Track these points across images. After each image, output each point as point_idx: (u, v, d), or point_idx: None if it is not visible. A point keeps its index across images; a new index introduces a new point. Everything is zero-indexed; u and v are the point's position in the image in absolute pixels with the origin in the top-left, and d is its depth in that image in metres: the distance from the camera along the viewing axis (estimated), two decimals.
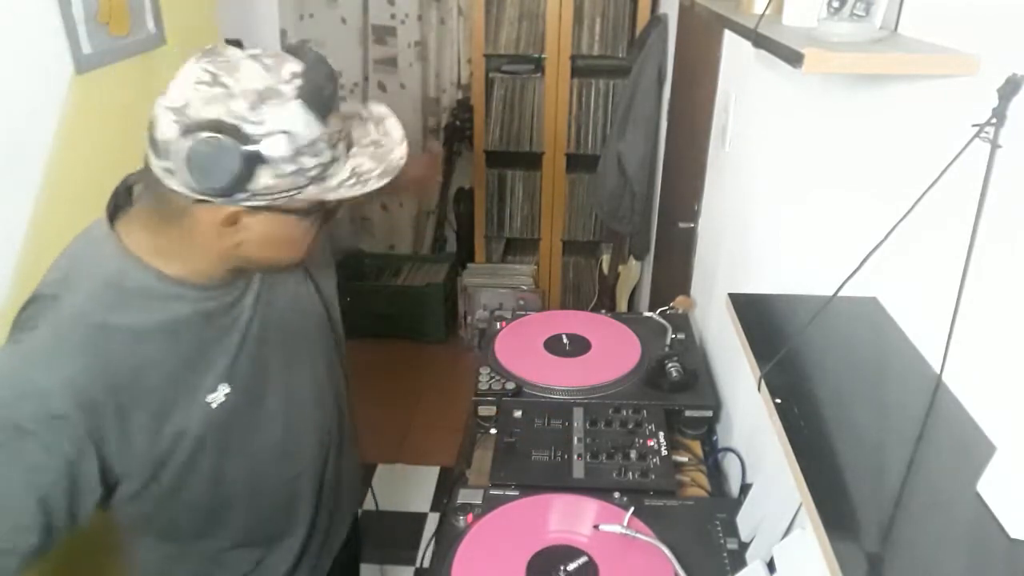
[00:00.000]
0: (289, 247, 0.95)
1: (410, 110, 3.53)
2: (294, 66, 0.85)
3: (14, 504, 0.83)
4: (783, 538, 1.02)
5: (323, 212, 0.93)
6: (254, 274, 1.03)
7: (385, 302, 3.55)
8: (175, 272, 0.93)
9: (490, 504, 1.23)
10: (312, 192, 0.87)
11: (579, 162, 3.21)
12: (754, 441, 1.36)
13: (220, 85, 0.82)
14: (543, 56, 3.05)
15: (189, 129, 0.80)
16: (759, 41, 0.94)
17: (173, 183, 0.84)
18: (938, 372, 0.75)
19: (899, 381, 0.79)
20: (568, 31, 2.98)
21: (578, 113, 3.13)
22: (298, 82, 0.83)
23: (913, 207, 0.73)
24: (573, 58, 3.03)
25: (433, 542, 1.24)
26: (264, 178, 0.83)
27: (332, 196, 0.89)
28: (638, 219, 2.81)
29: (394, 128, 0.98)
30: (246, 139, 0.80)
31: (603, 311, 1.86)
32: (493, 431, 1.44)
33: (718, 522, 1.20)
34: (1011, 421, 0.65)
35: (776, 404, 0.74)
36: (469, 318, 3.48)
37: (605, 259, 3.27)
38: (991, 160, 0.67)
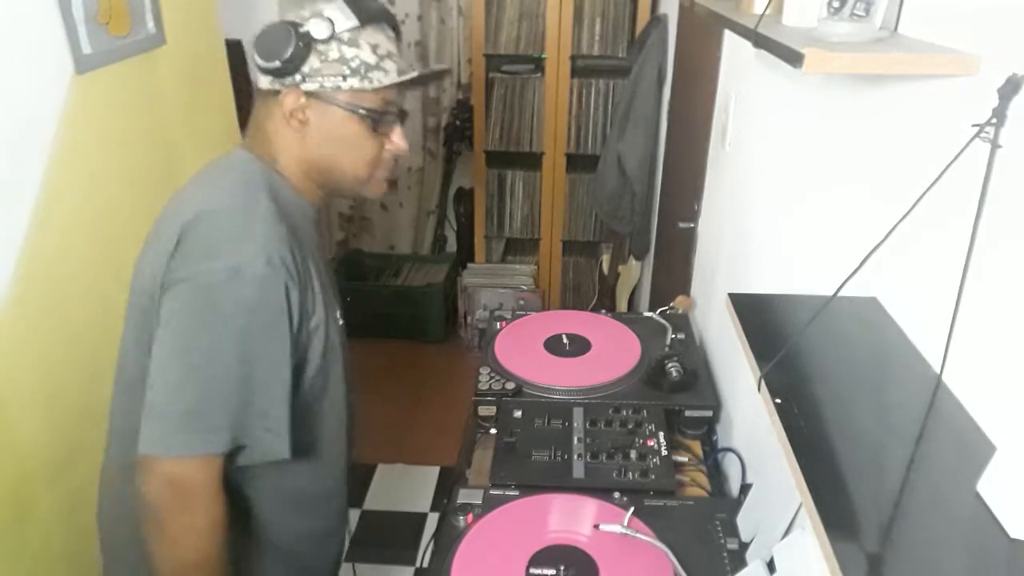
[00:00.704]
0: (349, 151, 1.06)
1: (410, 110, 3.52)
2: None
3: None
4: (783, 538, 1.02)
5: (372, 119, 1.04)
6: (357, 195, 1.14)
7: (385, 302, 3.55)
8: (297, 186, 1.08)
9: (490, 504, 1.23)
10: (354, 83, 1.01)
11: (579, 162, 3.21)
12: (754, 441, 1.36)
13: (299, 5, 1.03)
14: (543, 56, 3.05)
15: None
16: (759, 41, 0.94)
17: (257, 77, 1.03)
18: (938, 372, 0.75)
19: (899, 381, 0.79)
20: (568, 31, 2.98)
21: (578, 113, 3.13)
22: None
23: (913, 207, 0.73)
24: (573, 58, 3.03)
25: (433, 542, 1.23)
26: (312, 60, 1.00)
27: (371, 91, 1.02)
28: (638, 219, 2.81)
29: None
30: (296, 25, 0.98)
31: (603, 311, 1.86)
32: (493, 431, 1.44)
33: (718, 522, 1.20)
34: (1011, 421, 0.65)
35: (776, 404, 0.74)
36: (469, 318, 3.48)
37: (605, 259, 3.27)
38: (991, 160, 0.67)
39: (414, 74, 1.07)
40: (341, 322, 1.14)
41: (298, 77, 1.00)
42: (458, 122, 3.50)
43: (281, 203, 1.03)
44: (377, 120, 1.05)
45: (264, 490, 1.10)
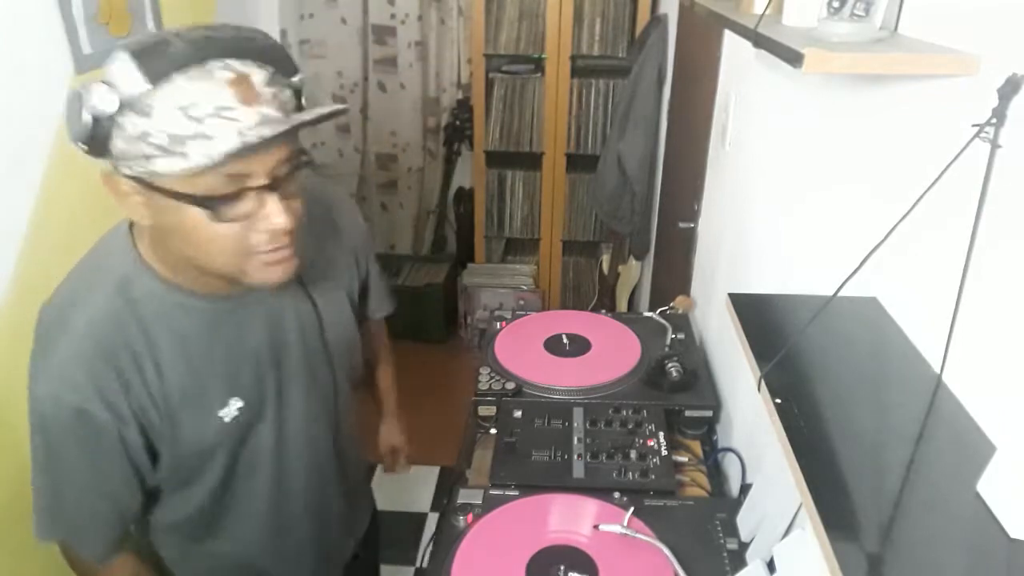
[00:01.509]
0: (198, 244, 0.84)
1: (410, 110, 3.53)
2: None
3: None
4: (783, 538, 1.02)
5: (205, 206, 0.81)
6: (248, 287, 0.93)
7: None
8: (173, 276, 0.93)
9: (490, 504, 1.23)
10: (164, 166, 0.77)
11: (579, 162, 3.21)
12: (754, 441, 1.36)
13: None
14: (543, 56, 3.05)
15: None
16: (759, 41, 0.94)
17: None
18: (938, 372, 0.75)
19: (899, 381, 0.79)
20: (568, 31, 2.98)
21: (578, 113, 3.13)
22: (139, 42, 0.76)
23: (913, 207, 0.73)
24: (573, 58, 3.03)
25: (433, 542, 1.23)
26: (118, 141, 0.78)
27: (197, 172, 0.77)
28: (638, 219, 2.81)
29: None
30: (84, 91, 0.76)
31: (603, 311, 1.86)
32: (493, 431, 1.44)
33: (718, 522, 1.20)
34: (1011, 421, 0.65)
35: (776, 404, 0.74)
36: (469, 318, 3.48)
37: (605, 259, 3.27)
38: (991, 160, 0.67)
39: (257, 137, 0.76)
40: (229, 418, 0.99)
41: (111, 159, 0.80)
42: (458, 122, 3.50)
43: (137, 299, 0.91)
44: (213, 206, 0.81)
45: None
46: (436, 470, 2.77)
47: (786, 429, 0.71)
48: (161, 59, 0.75)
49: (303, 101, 0.88)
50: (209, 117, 0.75)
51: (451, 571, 1.11)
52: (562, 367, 1.60)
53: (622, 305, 3.20)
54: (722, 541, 1.16)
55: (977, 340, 0.71)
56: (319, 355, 1.11)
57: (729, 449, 1.47)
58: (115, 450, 0.94)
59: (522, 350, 1.65)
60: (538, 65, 3.12)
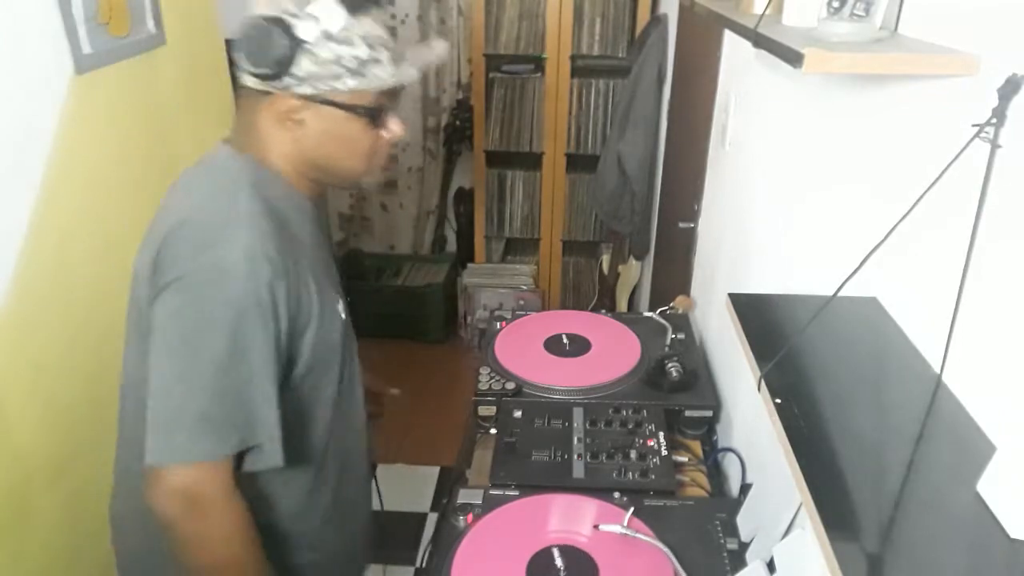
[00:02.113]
0: (347, 148, 1.04)
1: (410, 110, 3.53)
2: None
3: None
4: (783, 538, 1.02)
5: (371, 116, 1.01)
6: (356, 185, 1.12)
7: (385, 302, 3.55)
8: (291, 179, 1.06)
9: (490, 504, 1.23)
10: (352, 84, 0.97)
11: (579, 162, 3.21)
12: (754, 441, 1.36)
13: None
14: (543, 56, 3.05)
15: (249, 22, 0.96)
16: (759, 41, 0.94)
17: (244, 77, 0.99)
18: (938, 372, 0.75)
19: (899, 381, 0.79)
20: (568, 31, 2.98)
21: (578, 113, 3.13)
22: None
23: (913, 207, 0.73)
24: (573, 58, 3.03)
25: (433, 542, 1.23)
26: (305, 63, 0.95)
27: (368, 89, 0.99)
28: (638, 219, 2.81)
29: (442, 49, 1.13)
30: (285, 24, 0.93)
31: (603, 311, 1.86)
32: (493, 431, 1.44)
33: (718, 522, 1.20)
34: (1011, 421, 0.65)
35: (776, 404, 0.74)
36: (469, 318, 3.48)
37: (605, 259, 3.27)
38: (991, 160, 0.67)
39: (411, 75, 1.03)
40: (344, 316, 1.11)
41: (291, 80, 0.96)
42: (458, 122, 3.50)
43: (269, 199, 1.00)
44: (376, 116, 1.02)
45: (269, 499, 1.08)
46: (436, 470, 2.77)
47: (786, 429, 0.71)
48: (352, 2, 0.96)
49: None
50: (378, 46, 0.99)
51: (451, 571, 1.11)
52: (562, 367, 1.60)
53: (622, 305, 3.20)
54: (722, 541, 1.16)
55: (977, 340, 0.71)
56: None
57: (729, 449, 1.47)
58: (275, 341, 0.97)
59: (522, 350, 1.65)
60: (538, 65, 3.12)
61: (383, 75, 0.99)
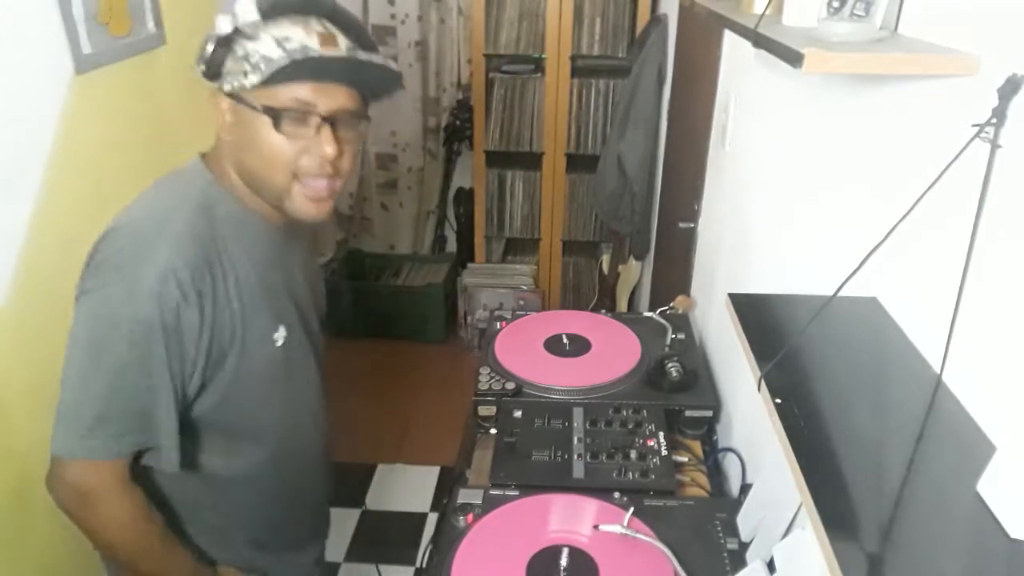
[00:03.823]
0: (257, 151, 0.99)
1: (410, 110, 3.53)
2: None
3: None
4: (783, 538, 1.02)
5: (273, 117, 0.96)
6: (290, 213, 1.07)
7: (385, 302, 3.55)
8: (246, 201, 1.05)
9: (490, 504, 1.23)
10: (254, 80, 0.95)
11: (579, 162, 3.21)
12: (754, 441, 1.36)
13: None
14: (543, 56, 3.05)
15: None
16: (759, 41, 0.94)
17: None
18: (938, 372, 0.75)
19: (899, 381, 0.79)
20: (568, 31, 2.98)
21: (578, 113, 3.13)
22: None
23: (913, 207, 0.73)
24: (573, 58, 3.03)
25: (433, 542, 1.23)
26: (228, 62, 0.96)
27: (274, 88, 0.95)
28: (638, 219, 2.81)
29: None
30: (215, 26, 0.95)
31: (603, 311, 1.86)
32: (493, 431, 1.44)
33: (718, 522, 1.20)
34: (1011, 421, 0.65)
35: (776, 404, 0.74)
36: (469, 318, 3.48)
37: (605, 259, 3.27)
38: (991, 160, 0.67)
39: (304, 55, 0.94)
40: (281, 343, 1.10)
41: (220, 80, 0.98)
42: (458, 122, 3.50)
43: (215, 220, 1.01)
44: (277, 116, 0.96)
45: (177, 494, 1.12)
46: (436, 470, 2.77)
47: (786, 429, 0.71)
48: (278, 3, 0.94)
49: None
50: (295, 50, 0.94)
51: (451, 571, 1.11)
52: (562, 367, 1.60)
53: (622, 305, 3.20)
54: (722, 541, 1.16)
55: (977, 340, 0.71)
56: (314, 312, 1.24)
57: (729, 449, 1.47)
58: (197, 352, 0.99)
59: (522, 350, 1.65)
60: (538, 65, 3.12)
61: (275, 64, 0.95)
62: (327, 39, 0.96)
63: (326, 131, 0.99)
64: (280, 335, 1.10)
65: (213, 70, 0.97)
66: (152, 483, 1.08)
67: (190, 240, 0.97)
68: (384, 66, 1.00)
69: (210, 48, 0.95)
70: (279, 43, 0.94)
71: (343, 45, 0.98)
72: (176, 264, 0.95)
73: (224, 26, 0.94)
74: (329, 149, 0.99)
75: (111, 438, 0.97)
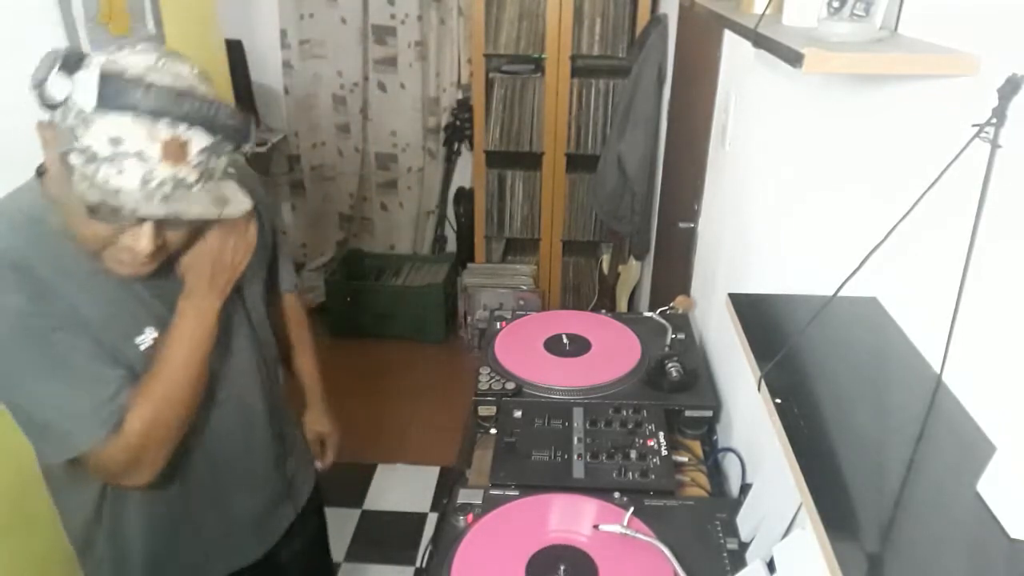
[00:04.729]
0: (77, 225, 0.92)
1: (410, 110, 3.53)
2: (162, 68, 0.87)
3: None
4: (783, 538, 1.02)
5: (91, 211, 0.87)
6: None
7: (385, 302, 3.55)
8: None
9: (490, 504, 1.23)
10: (77, 162, 0.84)
11: (579, 162, 3.21)
12: (754, 441, 1.36)
13: (132, 44, 0.89)
14: (543, 56, 3.05)
15: None
16: (759, 41, 0.94)
17: None
18: (938, 372, 0.75)
19: (899, 381, 0.79)
20: (568, 31, 2.98)
21: (578, 113, 3.13)
22: (123, 65, 0.85)
23: (913, 207, 0.73)
24: (573, 58, 3.03)
25: (433, 542, 1.23)
26: (57, 113, 0.86)
27: (79, 181, 0.84)
28: (638, 219, 2.81)
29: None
30: (67, 64, 0.84)
31: (603, 311, 1.86)
32: (493, 431, 1.44)
33: (718, 522, 1.20)
34: (1011, 421, 0.65)
35: (776, 404, 0.74)
36: (469, 318, 3.48)
37: (605, 259, 3.27)
38: (991, 160, 0.67)
39: (138, 215, 0.86)
40: (144, 346, 1.04)
41: (49, 115, 0.88)
42: (458, 122, 3.51)
43: (44, 233, 0.95)
44: (94, 211, 0.87)
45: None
46: (436, 470, 2.77)
47: (786, 429, 0.71)
48: (123, 96, 0.83)
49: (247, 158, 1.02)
50: (128, 156, 0.83)
51: (451, 571, 1.11)
52: (562, 367, 1.60)
53: (622, 305, 3.20)
54: (722, 541, 1.17)
55: (977, 340, 0.71)
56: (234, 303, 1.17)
57: (729, 449, 1.47)
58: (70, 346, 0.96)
59: (522, 350, 1.65)
60: (538, 65, 3.12)
61: (114, 184, 0.84)
62: (173, 150, 0.85)
63: (147, 226, 0.92)
64: (146, 337, 1.04)
65: (44, 103, 0.86)
66: None
67: (6, 267, 0.93)
68: (195, 220, 0.93)
69: (37, 87, 0.85)
70: (112, 142, 0.83)
71: (195, 153, 0.87)
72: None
73: (56, 89, 0.83)
74: (143, 245, 0.92)
75: (104, 401, 0.97)
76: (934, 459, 0.68)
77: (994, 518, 0.60)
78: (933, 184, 0.71)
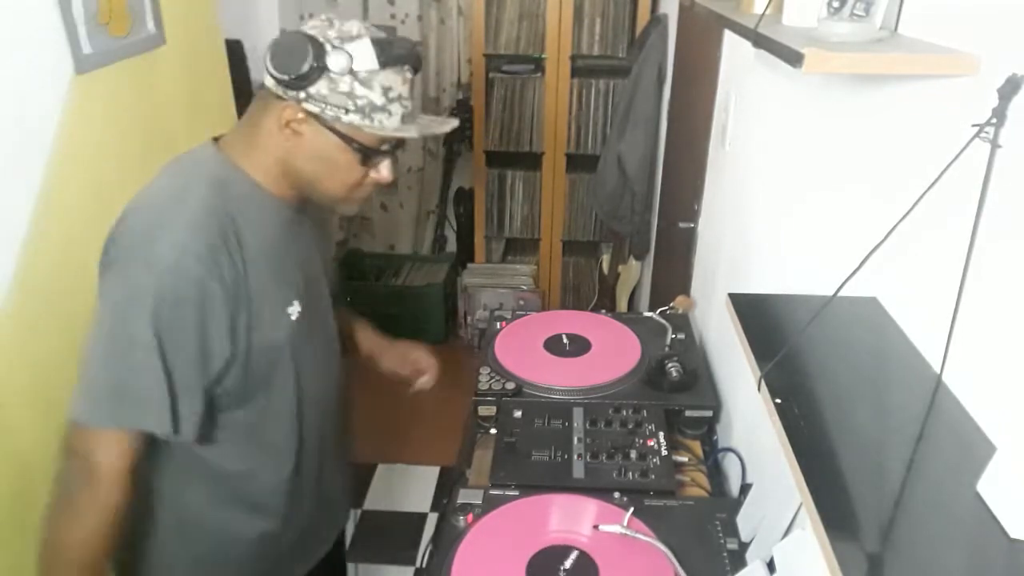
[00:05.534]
0: (332, 174, 1.07)
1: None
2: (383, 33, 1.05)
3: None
4: (783, 538, 1.02)
5: (364, 154, 1.05)
6: (308, 203, 1.14)
7: (385, 302, 3.55)
8: (264, 183, 1.08)
9: (490, 504, 1.23)
10: (355, 120, 1.01)
11: (579, 162, 3.21)
12: (754, 441, 1.36)
13: (328, 23, 1.02)
14: (543, 56, 3.05)
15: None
16: (759, 41, 0.94)
17: (265, 77, 1.02)
18: (938, 372, 0.75)
19: (899, 381, 0.79)
20: (568, 31, 2.98)
21: (578, 113, 3.13)
22: (377, 32, 1.03)
23: (913, 207, 0.73)
24: (573, 58, 3.03)
25: (433, 542, 1.23)
26: (322, 86, 0.99)
27: (369, 131, 1.03)
28: (638, 219, 2.81)
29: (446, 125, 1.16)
30: (320, 46, 0.98)
31: (603, 311, 1.86)
32: (493, 431, 1.44)
33: (718, 522, 1.20)
34: (1011, 421, 0.65)
35: (776, 404, 0.74)
36: (469, 318, 3.48)
37: (605, 259, 3.27)
38: (991, 160, 0.67)
39: (411, 135, 1.07)
40: (294, 317, 1.13)
41: (303, 94, 1.00)
42: (458, 122, 3.50)
43: (229, 197, 1.04)
44: (368, 156, 1.06)
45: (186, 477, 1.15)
46: (436, 470, 2.77)
47: (786, 429, 0.71)
48: (390, 53, 1.01)
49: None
50: (394, 101, 1.03)
51: (451, 571, 1.11)
52: (562, 367, 1.60)
53: (622, 305, 3.20)
54: (722, 541, 1.16)
55: (977, 340, 0.71)
56: (327, 289, 1.27)
57: (729, 449, 1.47)
58: (221, 325, 1.02)
59: (522, 350, 1.65)
60: (538, 65, 3.12)
61: (387, 125, 1.04)
62: (410, 87, 1.06)
63: (388, 162, 1.10)
64: (295, 309, 1.13)
65: (299, 85, 0.99)
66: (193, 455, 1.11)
67: (205, 215, 1.00)
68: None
69: (306, 67, 0.97)
70: (384, 91, 1.02)
71: (411, 88, 1.08)
72: (193, 238, 0.98)
73: (338, 63, 0.98)
74: (390, 177, 1.11)
75: (116, 409, 1.00)
76: (934, 459, 0.68)
77: (994, 518, 0.60)
78: (933, 184, 0.71)
